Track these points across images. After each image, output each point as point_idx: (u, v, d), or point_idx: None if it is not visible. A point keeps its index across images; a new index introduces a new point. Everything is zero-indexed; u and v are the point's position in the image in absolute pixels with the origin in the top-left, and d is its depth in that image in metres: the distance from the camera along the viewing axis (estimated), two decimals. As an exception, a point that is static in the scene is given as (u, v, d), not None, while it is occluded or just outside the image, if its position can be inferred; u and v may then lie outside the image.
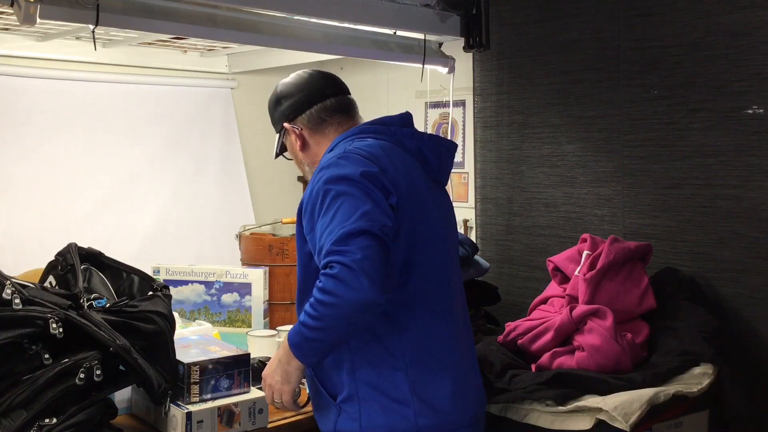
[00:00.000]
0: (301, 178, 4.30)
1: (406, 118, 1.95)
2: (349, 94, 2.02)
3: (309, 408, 1.95)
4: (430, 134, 1.99)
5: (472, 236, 3.30)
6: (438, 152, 1.91)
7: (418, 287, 1.77)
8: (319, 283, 1.60)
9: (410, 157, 1.86)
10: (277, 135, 2.04)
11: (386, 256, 1.63)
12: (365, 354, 1.74)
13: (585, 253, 2.49)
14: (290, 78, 2.04)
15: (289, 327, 2.50)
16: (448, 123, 3.45)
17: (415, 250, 1.76)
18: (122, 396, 1.94)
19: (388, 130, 1.87)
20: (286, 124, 1.98)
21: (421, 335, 1.76)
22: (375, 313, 1.64)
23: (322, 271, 1.61)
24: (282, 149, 2.05)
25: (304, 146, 1.97)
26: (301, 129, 1.96)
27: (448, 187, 2.26)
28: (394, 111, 1.96)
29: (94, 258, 2.05)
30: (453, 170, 2.07)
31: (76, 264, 1.96)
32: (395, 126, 1.89)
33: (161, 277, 2.71)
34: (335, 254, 1.59)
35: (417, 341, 1.76)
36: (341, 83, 2.02)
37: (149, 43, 3.38)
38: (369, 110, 2.11)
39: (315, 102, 1.96)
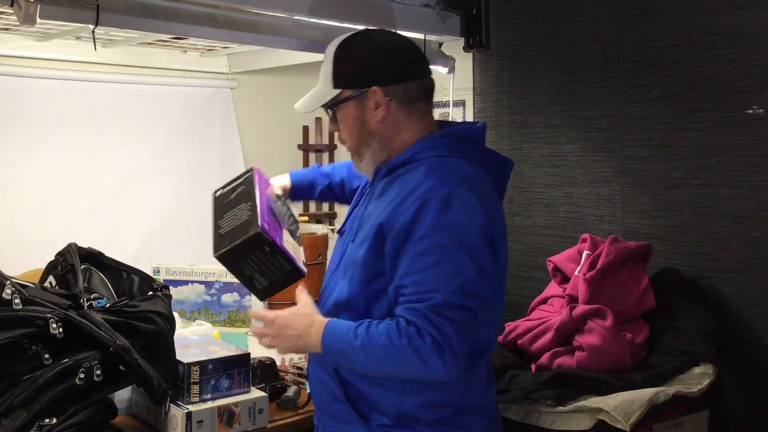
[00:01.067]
0: (301, 178, 4.29)
1: (483, 134, 1.69)
2: None
3: (309, 408, 1.95)
4: (498, 155, 1.72)
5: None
6: (506, 176, 1.71)
7: (487, 337, 1.65)
8: (401, 338, 1.45)
9: (495, 190, 1.64)
10: (336, 89, 1.62)
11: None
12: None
13: (585, 253, 2.49)
14: (389, 35, 1.66)
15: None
16: (448, 123, 3.45)
17: (495, 305, 1.62)
18: (122, 396, 1.93)
19: (481, 153, 1.64)
20: (376, 88, 1.59)
21: (477, 377, 1.64)
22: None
23: (409, 328, 1.45)
24: (332, 105, 1.64)
25: (384, 120, 1.61)
26: (391, 100, 1.60)
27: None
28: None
29: (94, 258, 2.05)
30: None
31: (76, 264, 1.96)
32: (482, 145, 1.66)
33: (161, 277, 2.71)
34: (427, 322, 1.45)
35: (472, 385, 1.63)
36: None
37: (149, 43, 3.38)
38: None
39: (418, 75, 1.63)
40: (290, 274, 1.71)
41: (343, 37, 1.65)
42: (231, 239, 1.69)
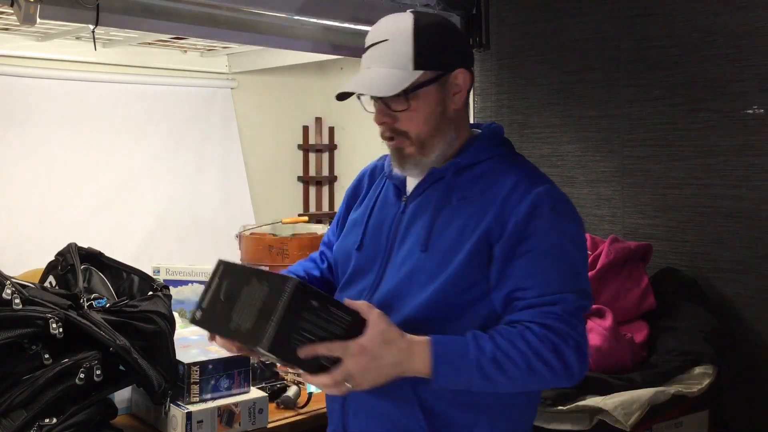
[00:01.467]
0: (301, 178, 4.28)
1: None
2: None
3: (309, 408, 1.95)
4: None
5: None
6: None
7: None
8: (543, 344, 1.31)
9: None
10: (417, 71, 1.41)
11: None
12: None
13: (585, 253, 2.49)
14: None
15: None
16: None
17: None
18: (122, 396, 1.93)
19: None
20: (463, 69, 1.46)
21: None
22: None
23: (548, 333, 1.32)
24: (414, 89, 1.42)
25: (460, 107, 1.47)
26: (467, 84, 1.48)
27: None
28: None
29: (94, 258, 2.05)
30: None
31: (76, 264, 1.96)
32: None
33: (161, 277, 2.70)
34: (568, 325, 1.33)
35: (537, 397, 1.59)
36: None
37: (149, 43, 3.38)
38: (369, 110, 2.09)
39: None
40: (353, 326, 1.30)
41: (405, 16, 1.44)
42: (268, 318, 1.25)
